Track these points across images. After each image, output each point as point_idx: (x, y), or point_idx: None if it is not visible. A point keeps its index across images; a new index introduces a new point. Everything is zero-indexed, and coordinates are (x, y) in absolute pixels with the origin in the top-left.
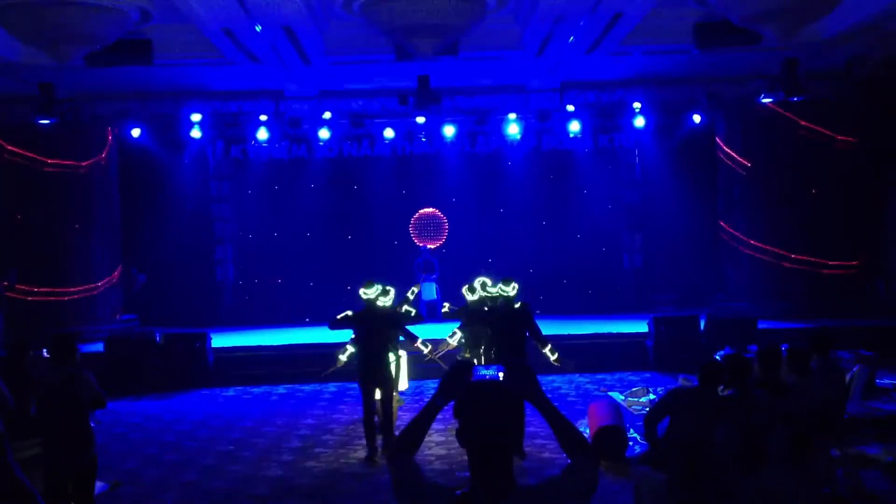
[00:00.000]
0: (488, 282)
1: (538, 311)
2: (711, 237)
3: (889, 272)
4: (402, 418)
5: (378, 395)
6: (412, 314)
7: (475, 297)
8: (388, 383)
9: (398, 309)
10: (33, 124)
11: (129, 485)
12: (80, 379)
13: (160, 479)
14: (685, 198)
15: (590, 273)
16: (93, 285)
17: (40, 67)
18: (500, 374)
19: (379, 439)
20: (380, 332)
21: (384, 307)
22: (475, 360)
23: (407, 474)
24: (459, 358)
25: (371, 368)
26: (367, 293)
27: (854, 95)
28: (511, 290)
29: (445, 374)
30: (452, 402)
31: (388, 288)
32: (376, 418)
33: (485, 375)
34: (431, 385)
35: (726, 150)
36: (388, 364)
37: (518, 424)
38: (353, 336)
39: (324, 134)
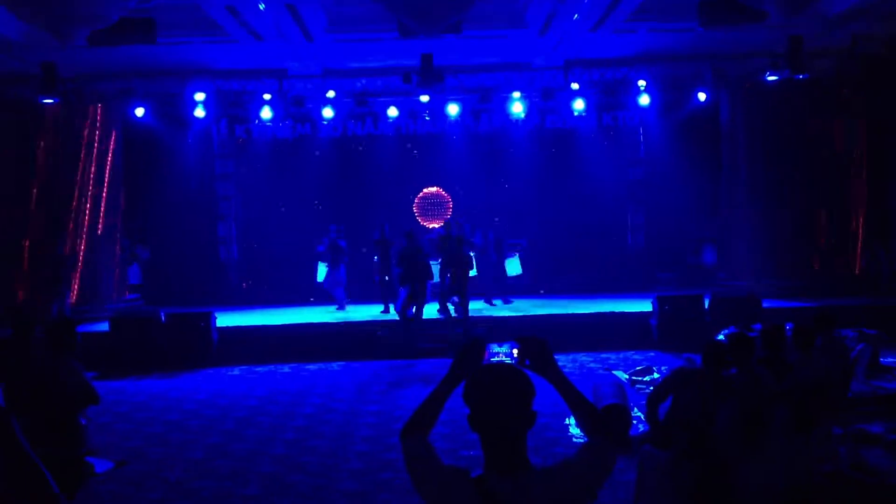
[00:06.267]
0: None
1: (541, 291)
2: (714, 215)
3: (892, 250)
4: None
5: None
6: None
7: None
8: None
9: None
10: (36, 103)
11: (134, 463)
12: (70, 370)
13: (165, 458)
14: (689, 176)
15: (593, 251)
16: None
17: (43, 47)
18: (514, 351)
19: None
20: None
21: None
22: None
23: (421, 455)
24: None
25: (411, 281)
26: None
27: (859, 73)
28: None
29: (458, 351)
30: (462, 386)
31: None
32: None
33: (498, 353)
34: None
35: (730, 127)
36: (421, 282)
37: (531, 408)
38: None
39: (327, 113)
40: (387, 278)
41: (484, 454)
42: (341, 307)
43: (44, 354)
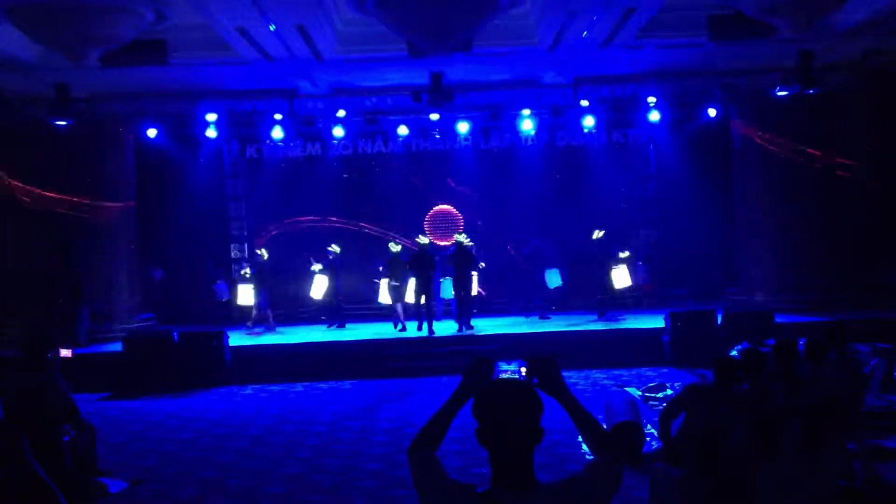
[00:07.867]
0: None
1: (553, 307)
2: (726, 231)
3: None
4: None
5: (423, 300)
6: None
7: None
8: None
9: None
10: (49, 125)
11: (148, 482)
12: (53, 387)
13: (179, 477)
14: (699, 191)
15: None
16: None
17: (56, 68)
18: (522, 369)
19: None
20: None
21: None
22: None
23: (428, 471)
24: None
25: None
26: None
27: (869, 86)
28: (465, 239)
29: (466, 369)
30: (471, 401)
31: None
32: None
33: (506, 371)
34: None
35: (741, 142)
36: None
37: (539, 423)
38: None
39: (338, 132)
40: (339, 299)
41: (491, 469)
42: (271, 329)
43: (31, 369)
